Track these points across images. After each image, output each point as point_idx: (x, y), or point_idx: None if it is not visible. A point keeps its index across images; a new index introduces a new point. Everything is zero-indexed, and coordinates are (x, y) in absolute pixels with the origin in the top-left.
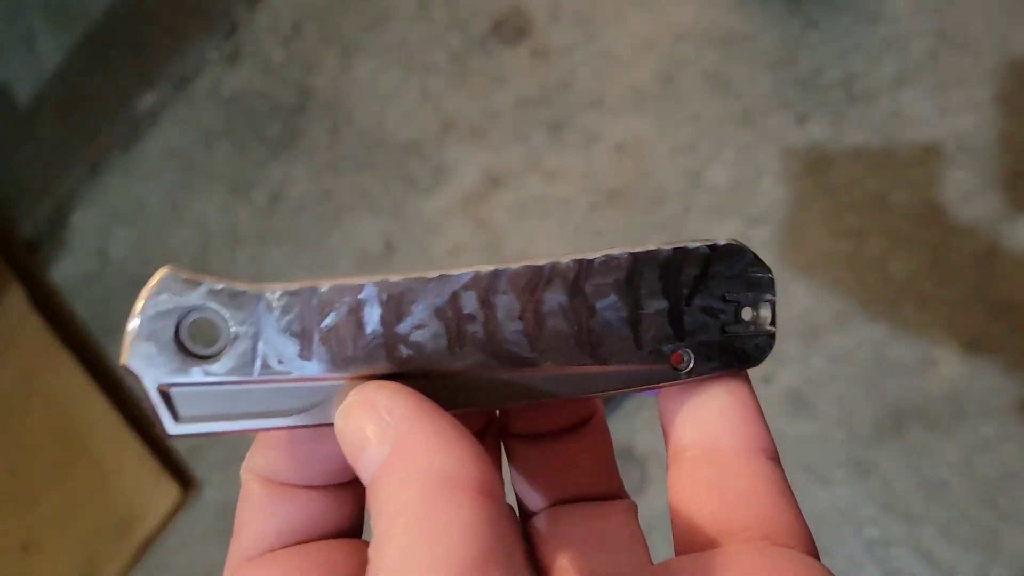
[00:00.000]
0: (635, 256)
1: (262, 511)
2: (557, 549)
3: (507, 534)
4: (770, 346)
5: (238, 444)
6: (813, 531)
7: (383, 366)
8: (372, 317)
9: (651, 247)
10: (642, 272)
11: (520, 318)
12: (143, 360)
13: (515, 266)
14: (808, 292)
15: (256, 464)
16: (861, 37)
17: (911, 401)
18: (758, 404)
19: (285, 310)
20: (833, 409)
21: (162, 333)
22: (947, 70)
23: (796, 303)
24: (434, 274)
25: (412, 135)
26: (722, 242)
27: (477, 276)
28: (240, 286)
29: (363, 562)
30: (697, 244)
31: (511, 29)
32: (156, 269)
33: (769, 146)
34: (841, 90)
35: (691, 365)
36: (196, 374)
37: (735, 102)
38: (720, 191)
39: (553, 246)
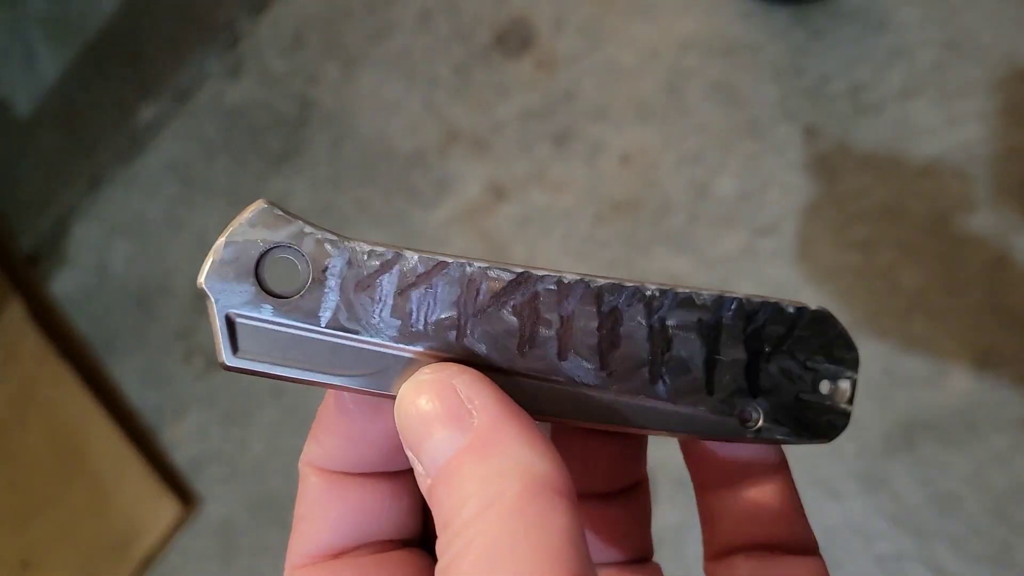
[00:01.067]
0: (722, 299)
1: (319, 504)
2: None
3: (588, 551)
4: (843, 425)
5: (239, 460)
6: (823, 546)
7: (450, 349)
8: (450, 298)
9: (740, 295)
10: (726, 318)
11: (596, 332)
12: (218, 283)
13: (600, 281)
14: (818, 303)
15: (311, 455)
16: (868, 47)
17: (922, 414)
18: (798, 492)
19: (369, 269)
20: None
21: (244, 262)
22: (955, 80)
23: None
24: (518, 268)
25: (415, 147)
26: (813, 307)
27: (561, 282)
28: (332, 235)
29: (429, 574)
30: (787, 304)
31: (515, 40)
32: (157, 283)
33: (776, 156)
34: (848, 100)
35: (759, 424)
36: (266, 311)
37: (741, 112)
38: (727, 202)
39: (557, 258)
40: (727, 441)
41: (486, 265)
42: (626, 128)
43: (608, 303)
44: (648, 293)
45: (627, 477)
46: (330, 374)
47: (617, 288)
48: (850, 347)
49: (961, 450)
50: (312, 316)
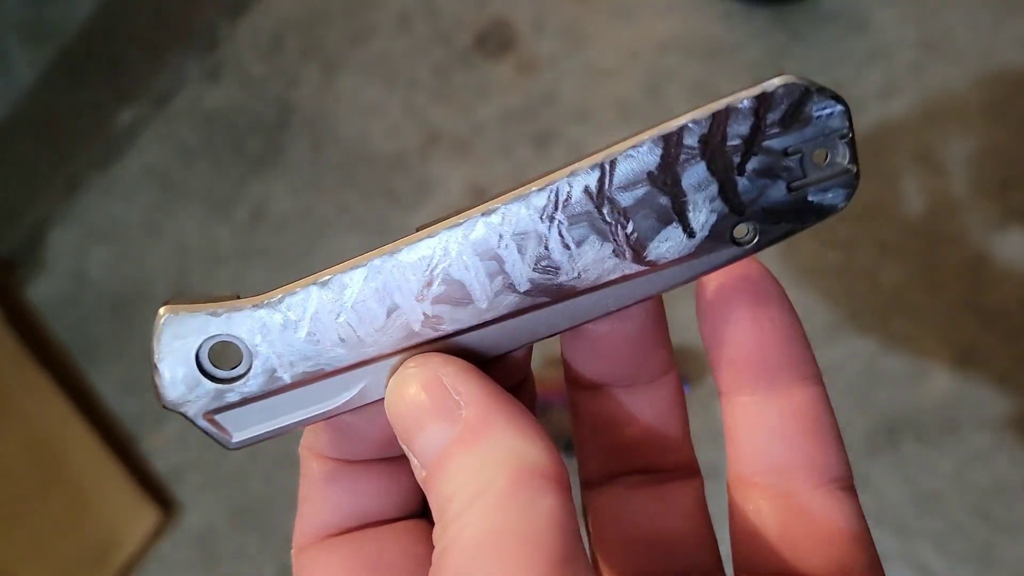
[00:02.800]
0: (665, 139)
1: (320, 488)
2: (613, 536)
3: (579, 534)
4: (852, 186)
5: (220, 468)
6: None
7: (415, 338)
8: (384, 298)
9: (681, 121)
10: (676, 154)
11: (545, 249)
12: (178, 397)
13: (523, 196)
14: (798, 304)
15: (310, 443)
16: (846, 48)
17: (903, 413)
18: (834, 418)
19: (292, 314)
20: None
21: (185, 368)
22: (933, 80)
23: None
24: (427, 237)
25: (395, 150)
26: (771, 87)
27: (479, 224)
28: (239, 304)
29: (429, 545)
30: (741, 100)
31: (495, 42)
32: (136, 290)
33: None
34: None
35: (756, 237)
36: (232, 396)
37: None
38: None
39: None
40: (732, 263)
41: (394, 249)
42: (607, 129)
43: (544, 210)
44: (580, 176)
45: (649, 364)
46: (324, 405)
47: (547, 192)
48: (831, 101)
49: (942, 449)
50: (273, 379)
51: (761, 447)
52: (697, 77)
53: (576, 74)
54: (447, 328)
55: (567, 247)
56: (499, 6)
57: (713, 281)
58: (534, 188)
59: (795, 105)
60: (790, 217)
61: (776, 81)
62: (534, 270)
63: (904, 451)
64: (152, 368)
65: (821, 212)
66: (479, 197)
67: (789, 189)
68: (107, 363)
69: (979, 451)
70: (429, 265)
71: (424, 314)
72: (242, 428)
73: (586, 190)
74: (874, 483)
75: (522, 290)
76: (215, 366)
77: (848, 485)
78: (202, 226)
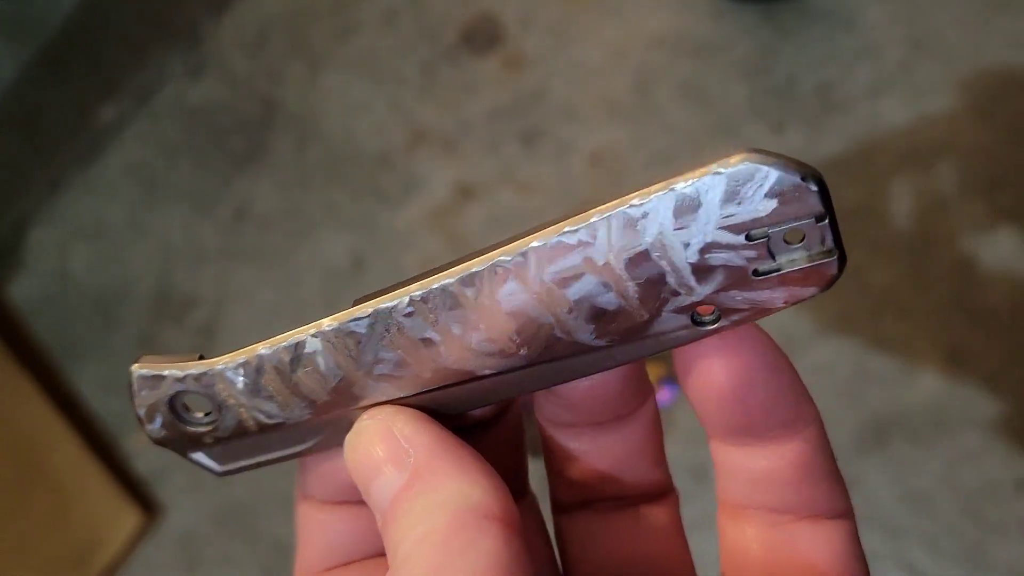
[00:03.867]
0: (608, 222)
1: (310, 528)
2: (586, 560)
3: (528, 570)
4: (832, 272)
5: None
6: None
7: (360, 400)
8: (332, 364)
9: (629, 203)
10: (615, 239)
11: (479, 329)
12: (167, 443)
13: (451, 279)
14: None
15: (300, 483)
16: (836, 46)
17: (893, 412)
18: (830, 459)
19: (248, 378)
20: None
21: (164, 420)
22: (922, 78)
23: (775, 315)
24: (368, 310)
25: (381, 147)
26: (726, 169)
27: (413, 301)
28: (200, 368)
29: None
30: (685, 181)
31: (482, 39)
32: (118, 289)
33: None
34: (817, 99)
35: (720, 317)
36: (209, 439)
37: (710, 111)
38: None
39: None
40: (693, 342)
41: (335, 325)
42: (595, 128)
43: (476, 292)
44: (506, 264)
45: (626, 400)
46: (296, 447)
47: (469, 279)
48: (798, 181)
49: (932, 448)
50: (241, 430)
51: (750, 492)
52: (686, 75)
53: (564, 71)
54: (394, 394)
55: (505, 328)
56: (486, 3)
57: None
58: (461, 273)
59: (757, 187)
60: (759, 302)
61: (733, 160)
62: (470, 354)
63: (894, 451)
64: (137, 423)
65: (796, 296)
66: (466, 196)
67: (755, 274)
68: (89, 363)
69: (969, 451)
70: (371, 338)
71: (367, 381)
72: (226, 461)
73: (518, 275)
74: (864, 483)
75: (459, 369)
76: (190, 413)
77: (842, 514)
78: (185, 224)
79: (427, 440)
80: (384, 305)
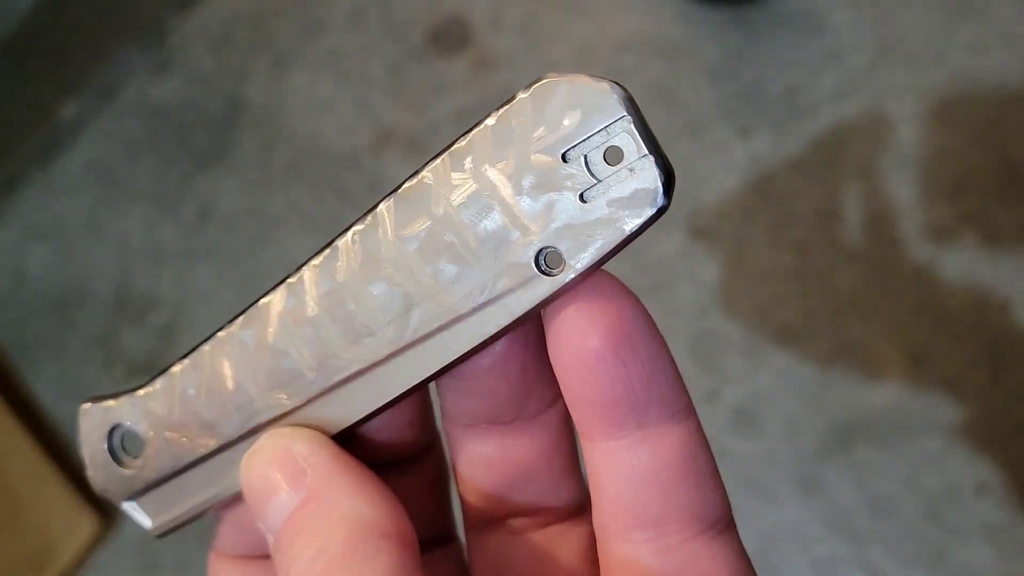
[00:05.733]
0: (433, 171)
1: None
2: None
3: None
4: (659, 178)
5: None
6: (760, 549)
7: (263, 417)
8: (223, 382)
9: (454, 145)
10: (447, 184)
11: (320, 331)
12: (101, 484)
13: (320, 260)
14: (753, 307)
15: (217, 542)
16: (802, 50)
17: (856, 417)
18: (709, 453)
19: (161, 402)
20: (779, 426)
21: (101, 457)
22: (887, 83)
23: (741, 318)
24: (207, 346)
25: (348, 147)
26: (523, 93)
27: (281, 294)
28: (134, 394)
29: None
30: (497, 113)
31: (450, 39)
32: (77, 289)
33: (713, 158)
34: (783, 102)
35: (566, 261)
36: (138, 483)
37: (678, 113)
38: None
39: None
40: (553, 302)
41: (188, 361)
42: None
43: (342, 268)
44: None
45: (526, 402)
46: (223, 488)
47: (334, 250)
48: (596, 92)
49: (895, 452)
50: (168, 462)
51: (632, 497)
52: (654, 77)
53: (532, 72)
54: (288, 405)
55: (372, 303)
56: (454, 2)
57: (560, 308)
58: (325, 251)
59: (560, 105)
60: (599, 232)
61: (533, 84)
62: (346, 334)
63: (857, 454)
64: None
65: (636, 214)
66: None
67: (582, 199)
68: (45, 365)
69: (931, 454)
70: (251, 343)
71: (262, 392)
72: (160, 513)
73: (373, 240)
74: (827, 487)
75: (345, 356)
76: (126, 453)
77: (727, 525)
78: (147, 224)
79: (324, 460)
80: (223, 331)
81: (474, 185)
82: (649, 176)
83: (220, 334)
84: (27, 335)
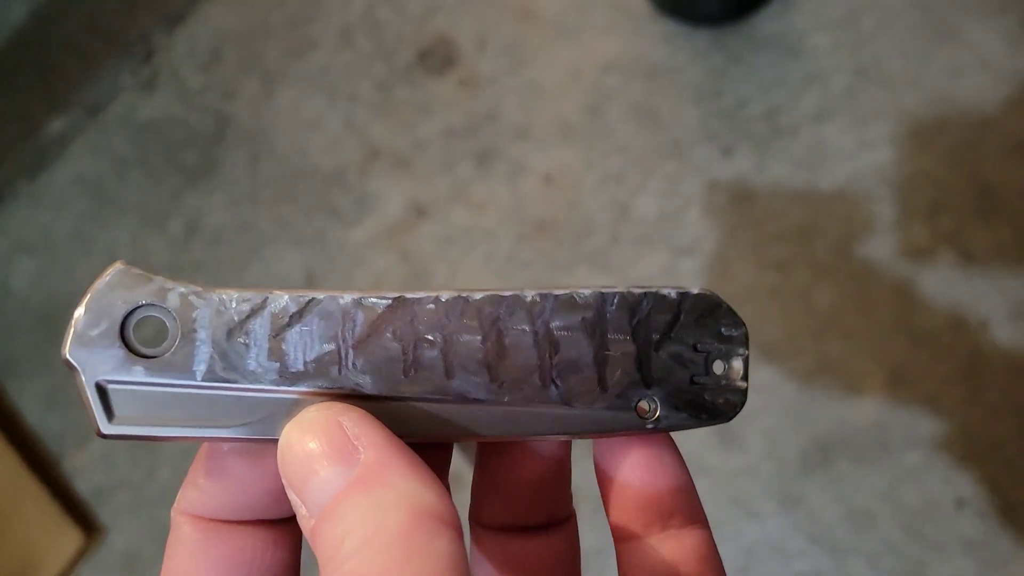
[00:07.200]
0: (603, 295)
1: (192, 555)
2: None
3: None
4: (741, 402)
5: (146, 488)
6: (743, 565)
7: (333, 384)
8: (327, 333)
9: (620, 288)
10: (610, 313)
11: (481, 346)
12: (84, 352)
13: (478, 295)
14: (699, 287)
15: (188, 501)
16: (783, 72)
17: (837, 432)
18: (720, 559)
19: (239, 315)
20: (761, 442)
21: (108, 326)
22: (866, 105)
23: None
24: (392, 294)
25: (335, 165)
26: (695, 291)
27: (438, 301)
28: (195, 287)
29: None
30: (669, 290)
31: (437, 58)
32: (63, 303)
33: (696, 177)
34: (764, 123)
35: (657, 414)
36: (137, 373)
37: (662, 134)
38: (647, 222)
39: (480, 278)
40: (628, 435)
41: (359, 295)
42: (548, 148)
43: (489, 315)
44: (528, 299)
45: (552, 509)
46: (213, 427)
47: (496, 299)
48: (737, 324)
49: (875, 467)
50: (186, 371)
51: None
52: (637, 98)
53: (518, 92)
54: (365, 387)
55: (500, 355)
56: (442, 23)
57: (633, 446)
58: (484, 294)
59: (708, 312)
60: (688, 409)
61: (696, 288)
62: (462, 363)
63: (838, 470)
64: (76, 311)
65: (713, 413)
66: (419, 214)
67: (692, 381)
68: (29, 378)
69: (910, 469)
70: (373, 322)
71: (353, 363)
72: (124, 417)
73: (529, 313)
74: (808, 502)
75: (445, 377)
76: (138, 338)
77: None
78: (134, 239)
79: (378, 439)
80: (409, 294)
81: (629, 326)
82: (735, 399)
83: (365, 299)
84: (11, 349)
